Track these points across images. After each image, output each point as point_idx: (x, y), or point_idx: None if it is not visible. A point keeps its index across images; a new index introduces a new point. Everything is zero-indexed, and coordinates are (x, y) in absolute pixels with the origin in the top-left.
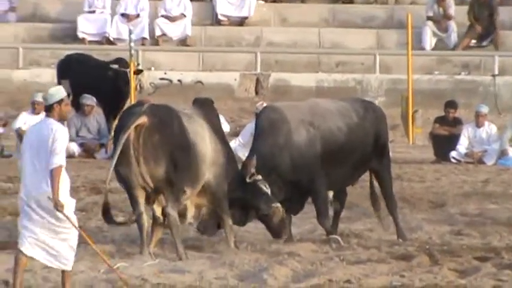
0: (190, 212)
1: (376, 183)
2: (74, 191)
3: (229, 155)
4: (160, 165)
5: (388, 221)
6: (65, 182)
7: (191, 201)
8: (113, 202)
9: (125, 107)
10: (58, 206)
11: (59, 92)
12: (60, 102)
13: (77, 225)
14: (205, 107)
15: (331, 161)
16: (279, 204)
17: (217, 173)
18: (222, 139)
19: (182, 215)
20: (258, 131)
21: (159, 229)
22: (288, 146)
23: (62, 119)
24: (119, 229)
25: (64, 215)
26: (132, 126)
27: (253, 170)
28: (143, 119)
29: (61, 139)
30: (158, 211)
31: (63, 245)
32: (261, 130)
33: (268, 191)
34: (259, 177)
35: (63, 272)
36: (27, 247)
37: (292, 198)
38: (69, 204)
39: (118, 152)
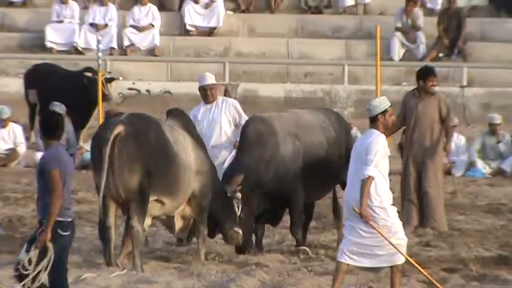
0: (178, 224)
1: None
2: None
3: (211, 164)
4: (133, 176)
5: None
6: (384, 190)
7: (178, 212)
8: (81, 212)
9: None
10: (363, 217)
11: (383, 102)
12: (384, 112)
13: (392, 234)
14: (181, 117)
15: (310, 173)
16: (240, 231)
17: (202, 182)
18: (203, 148)
19: (169, 226)
20: (245, 141)
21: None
22: (274, 158)
23: (387, 130)
24: (87, 239)
25: (371, 225)
26: (112, 137)
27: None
28: (120, 128)
29: (376, 151)
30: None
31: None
32: (248, 141)
33: (238, 212)
34: (239, 195)
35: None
36: (347, 258)
37: (272, 210)
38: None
39: (106, 165)
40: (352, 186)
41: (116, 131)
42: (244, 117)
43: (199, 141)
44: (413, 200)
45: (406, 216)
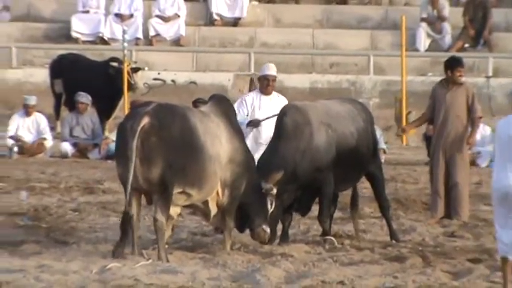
0: (213, 211)
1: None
2: (66, 191)
3: (248, 154)
4: (154, 168)
5: (357, 223)
6: None
7: (212, 200)
8: (107, 202)
9: (118, 107)
10: None
11: None
12: None
13: None
14: (222, 104)
15: (341, 163)
16: (268, 229)
17: (235, 172)
18: (240, 137)
19: (204, 214)
20: (283, 131)
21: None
22: (310, 149)
23: None
24: (112, 229)
25: None
26: (139, 128)
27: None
28: (146, 120)
29: None
30: (173, 211)
31: None
32: (285, 131)
33: (270, 209)
34: (274, 192)
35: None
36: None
37: (302, 199)
38: None
39: (133, 156)
40: (504, 174)
41: (142, 123)
42: None
43: (236, 130)
44: (441, 191)
45: (433, 208)
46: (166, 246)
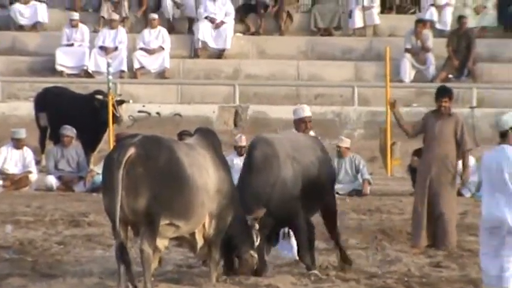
0: (200, 243)
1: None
2: (51, 224)
3: (234, 186)
4: (140, 199)
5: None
6: None
7: (199, 232)
8: (92, 235)
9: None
10: None
11: None
12: None
13: None
14: (208, 136)
15: (305, 194)
16: (256, 255)
17: (221, 203)
18: (226, 169)
19: (192, 247)
20: (252, 164)
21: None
22: (278, 181)
23: None
24: (97, 262)
25: None
26: (124, 160)
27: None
28: (132, 151)
29: None
30: (161, 243)
31: None
32: (254, 164)
33: (256, 241)
34: (257, 226)
35: None
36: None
37: (272, 232)
38: None
39: (119, 187)
40: (495, 205)
41: (128, 154)
42: None
43: (222, 162)
44: (424, 221)
45: (416, 238)
46: (152, 278)
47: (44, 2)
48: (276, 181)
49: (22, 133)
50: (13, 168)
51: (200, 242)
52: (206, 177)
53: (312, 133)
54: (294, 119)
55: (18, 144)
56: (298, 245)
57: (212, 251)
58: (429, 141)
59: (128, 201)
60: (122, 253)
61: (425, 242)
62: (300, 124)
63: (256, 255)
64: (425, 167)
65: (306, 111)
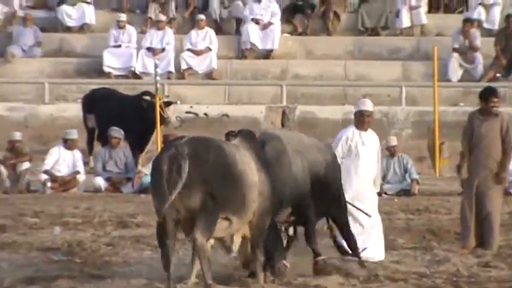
0: (237, 242)
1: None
2: (100, 226)
3: (272, 189)
4: (194, 197)
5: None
6: None
7: (238, 232)
8: (140, 236)
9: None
10: None
11: None
12: None
13: None
14: (249, 138)
15: (313, 194)
16: (288, 264)
17: (263, 205)
18: (267, 172)
19: (227, 245)
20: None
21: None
22: (290, 176)
23: None
24: (146, 263)
25: None
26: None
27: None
28: (184, 149)
29: None
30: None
31: None
32: (267, 160)
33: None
34: (283, 229)
35: None
36: None
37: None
38: None
39: (176, 190)
40: None
41: (184, 151)
42: None
43: (262, 164)
44: (472, 221)
45: (464, 239)
46: (197, 280)
47: (90, 3)
48: (287, 176)
49: (74, 134)
50: (64, 169)
51: (237, 242)
52: (253, 176)
53: (370, 131)
54: (354, 112)
55: (70, 145)
56: (307, 234)
57: (256, 252)
58: (476, 141)
59: (181, 200)
60: (165, 252)
61: (474, 243)
62: (359, 117)
63: (288, 265)
64: (473, 167)
65: (367, 105)
